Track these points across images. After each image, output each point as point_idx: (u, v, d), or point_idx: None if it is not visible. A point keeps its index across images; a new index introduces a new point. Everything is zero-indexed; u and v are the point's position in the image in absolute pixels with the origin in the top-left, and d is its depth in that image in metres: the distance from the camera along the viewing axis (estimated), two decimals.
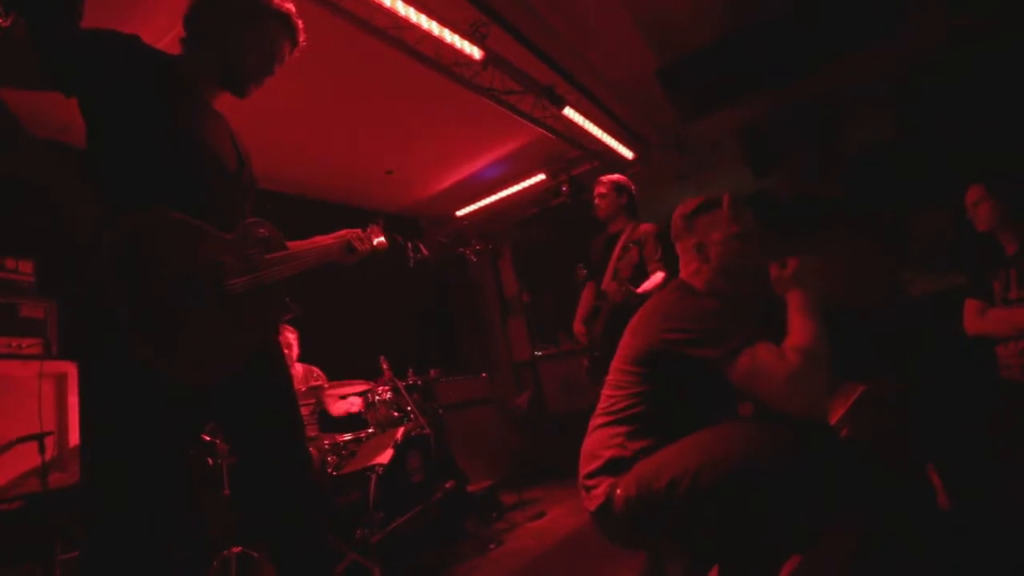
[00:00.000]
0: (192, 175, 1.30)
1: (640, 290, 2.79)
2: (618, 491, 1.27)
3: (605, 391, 1.50)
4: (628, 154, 4.88)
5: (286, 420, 1.43)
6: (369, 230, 1.81)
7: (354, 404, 3.55)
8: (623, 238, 3.01)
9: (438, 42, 2.95)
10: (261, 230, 1.41)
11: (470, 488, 3.59)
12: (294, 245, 1.54)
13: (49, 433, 2.38)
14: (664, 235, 2.91)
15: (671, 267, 2.82)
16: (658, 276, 2.81)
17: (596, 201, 3.18)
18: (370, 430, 3.42)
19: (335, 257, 1.67)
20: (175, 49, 1.42)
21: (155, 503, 1.18)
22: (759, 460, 1.15)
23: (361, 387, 3.50)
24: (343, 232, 1.72)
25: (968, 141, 4.54)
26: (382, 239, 1.86)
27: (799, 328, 1.27)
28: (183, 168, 1.29)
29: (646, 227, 2.99)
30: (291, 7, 1.47)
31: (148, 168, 1.24)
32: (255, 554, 2.50)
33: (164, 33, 2.42)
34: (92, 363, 1.21)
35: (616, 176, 3.21)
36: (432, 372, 4.34)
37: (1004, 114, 4.03)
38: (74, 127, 3.09)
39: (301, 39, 1.51)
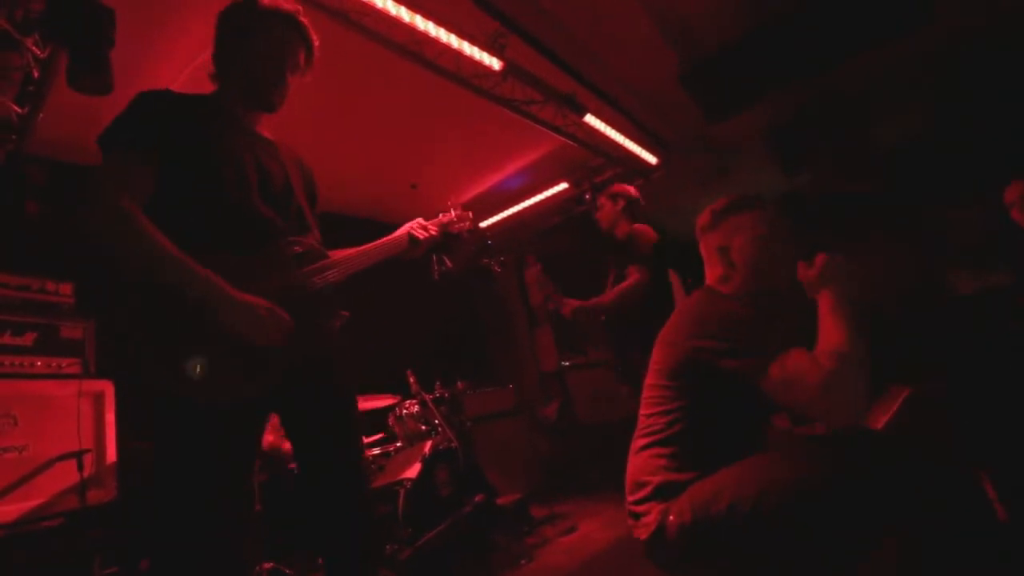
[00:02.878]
0: (233, 205, 1.31)
1: (607, 296, 2.84)
2: (671, 517, 1.21)
3: (641, 411, 1.45)
4: (652, 159, 4.81)
5: (344, 429, 1.44)
6: (440, 215, 1.81)
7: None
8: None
9: (458, 55, 2.96)
10: (295, 248, 1.41)
11: (500, 501, 3.55)
12: (339, 253, 1.54)
13: (88, 451, 2.43)
14: (655, 240, 2.86)
15: (653, 268, 2.81)
16: (632, 278, 2.78)
17: (596, 215, 3.20)
18: (398, 444, 3.42)
19: (393, 253, 1.66)
20: (198, 82, 1.46)
21: (204, 521, 1.21)
22: (823, 483, 1.10)
23: (388, 401, 3.51)
24: (401, 228, 1.72)
25: (1005, 134, 4.37)
26: (461, 221, 1.87)
27: (830, 330, 1.20)
28: (224, 199, 1.30)
29: (635, 227, 2.94)
30: (296, 7, 1.48)
31: (190, 204, 1.27)
32: (288, 570, 2.51)
33: (183, 67, 2.45)
34: (133, 388, 1.26)
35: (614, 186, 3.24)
36: (459, 384, 4.33)
37: None
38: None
39: (313, 39, 1.51)
